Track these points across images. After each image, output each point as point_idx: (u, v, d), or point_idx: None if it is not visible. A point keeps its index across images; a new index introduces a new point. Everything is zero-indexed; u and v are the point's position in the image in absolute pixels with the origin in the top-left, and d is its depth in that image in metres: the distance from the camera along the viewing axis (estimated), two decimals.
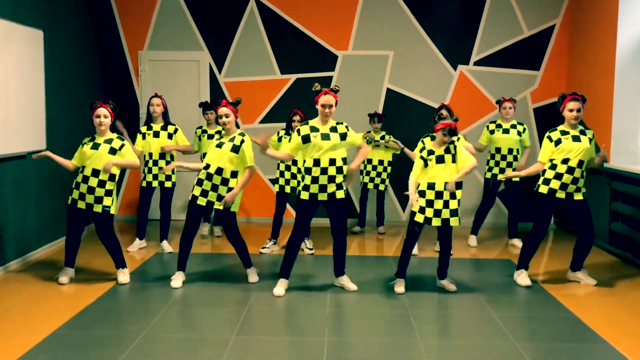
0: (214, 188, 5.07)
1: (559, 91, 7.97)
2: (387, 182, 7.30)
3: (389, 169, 7.26)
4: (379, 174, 7.25)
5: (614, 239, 6.55)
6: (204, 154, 6.57)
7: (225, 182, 5.06)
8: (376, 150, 7.18)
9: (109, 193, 5.08)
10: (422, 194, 4.98)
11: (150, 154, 6.22)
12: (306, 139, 4.86)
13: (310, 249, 6.45)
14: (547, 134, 5.25)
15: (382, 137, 7.07)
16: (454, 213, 4.96)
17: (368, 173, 7.27)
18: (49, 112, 6.44)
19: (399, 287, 5.13)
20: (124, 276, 5.31)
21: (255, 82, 8.14)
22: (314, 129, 4.88)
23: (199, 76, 8.14)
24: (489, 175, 6.73)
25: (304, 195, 4.91)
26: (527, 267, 5.42)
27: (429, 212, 4.96)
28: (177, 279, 5.22)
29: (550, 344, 4.07)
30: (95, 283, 5.30)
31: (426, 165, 4.98)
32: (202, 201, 5.10)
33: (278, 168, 6.44)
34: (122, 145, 5.13)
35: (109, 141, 5.11)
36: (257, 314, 4.64)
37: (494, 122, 6.75)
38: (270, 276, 5.53)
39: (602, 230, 6.69)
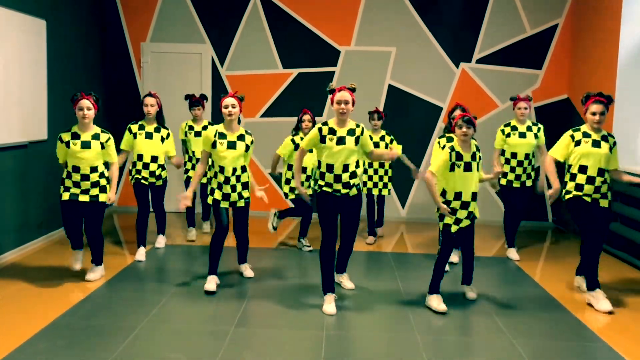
0: (234, 189, 4.91)
1: (561, 90, 7.99)
2: (389, 185, 6.75)
3: (390, 171, 6.73)
4: (381, 178, 6.69)
5: (613, 239, 6.56)
6: (193, 152, 6.49)
7: (238, 179, 4.93)
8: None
9: (108, 181, 5.06)
10: (447, 203, 4.54)
11: (141, 156, 5.73)
12: (323, 140, 4.55)
13: (308, 246, 6.41)
14: (571, 132, 4.90)
15: (382, 137, 6.67)
16: (470, 215, 4.61)
17: (371, 178, 6.68)
18: (51, 102, 6.44)
19: (440, 305, 4.61)
20: (94, 274, 5.16)
21: (257, 76, 8.14)
22: (332, 131, 4.54)
23: (201, 69, 8.14)
24: (503, 181, 6.15)
25: (328, 189, 4.58)
26: (598, 284, 4.81)
27: (449, 220, 4.56)
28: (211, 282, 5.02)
29: (548, 342, 4.09)
30: None
31: (452, 169, 4.49)
32: (225, 204, 4.91)
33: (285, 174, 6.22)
34: (108, 139, 5.01)
35: (97, 136, 4.95)
36: (256, 306, 4.65)
37: (508, 124, 6.17)
38: (267, 269, 5.55)
39: None
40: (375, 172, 6.69)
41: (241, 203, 4.97)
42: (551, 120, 7.78)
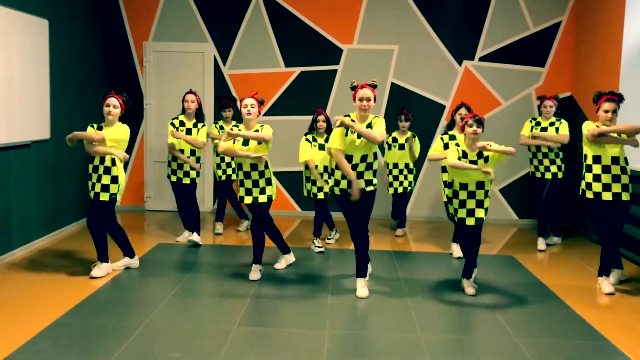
0: (255, 184, 5.07)
1: (564, 88, 7.96)
2: (413, 184, 6.97)
3: (414, 170, 6.96)
4: (405, 177, 6.90)
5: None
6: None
7: (262, 174, 5.07)
8: (403, 153, 6.83)
9: (115, 180, 5.09)
10: (455, 194, 4.84)
11: (182, 150, 6.17)
12: (346, 132, 4.71)
13: (320, 247, 6.28)
14: (585, 123, 5.11)
15: (407, 140, 6.80)
16: (486, 211, 4.83)
17: (396, 178, 6.87)
18: (54, 101, 6.45)
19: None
20: (99, 270, 5.18)
21: (260, 75, 8.13)
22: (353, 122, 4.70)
23: (203, 68, 8.13)
24: (532, 169, 6.56)
25: (337, 191, 4.81)
26: (607, 273, 5.17)
27: (462, 212, 4.82)
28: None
29: (551, 341, 4.08)
30: None
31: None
32: (248, 200, 5.09)
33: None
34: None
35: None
36: (259, 305, 4.65)
37: (534, 119, 6.54)
38: (269, 267, 5.55)
39: None
40: (401, 172, 6.89)
41: (263, 198, 5.10)
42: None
